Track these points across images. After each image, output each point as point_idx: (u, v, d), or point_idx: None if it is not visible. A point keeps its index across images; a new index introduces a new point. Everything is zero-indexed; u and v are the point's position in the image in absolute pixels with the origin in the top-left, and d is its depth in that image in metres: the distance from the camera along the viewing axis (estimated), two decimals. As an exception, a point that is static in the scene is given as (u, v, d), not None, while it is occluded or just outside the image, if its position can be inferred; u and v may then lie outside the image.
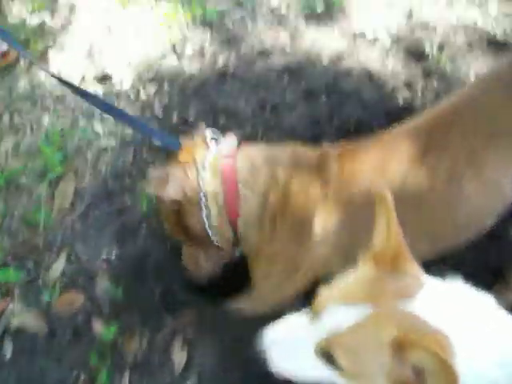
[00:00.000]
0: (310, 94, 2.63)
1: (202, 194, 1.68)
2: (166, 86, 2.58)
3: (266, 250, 1.77)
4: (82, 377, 1.88)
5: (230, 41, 2.77)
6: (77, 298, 2.03)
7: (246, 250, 1.84)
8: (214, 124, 2.40)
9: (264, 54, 2.74)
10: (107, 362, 1.92)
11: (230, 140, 1.80)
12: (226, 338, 2.01)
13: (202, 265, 1.96)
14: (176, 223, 1.77)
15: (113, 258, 2.13)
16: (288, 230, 1.75)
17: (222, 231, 1.74)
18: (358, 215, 1.70)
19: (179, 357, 1.95)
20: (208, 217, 1.71)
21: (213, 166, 1.69)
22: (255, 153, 1.76)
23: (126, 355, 1.94)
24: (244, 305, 1.98)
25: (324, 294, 1.16)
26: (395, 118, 2.15)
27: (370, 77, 2.71)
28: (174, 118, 2.48)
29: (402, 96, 2.66)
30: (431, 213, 1.73)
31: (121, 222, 2.19)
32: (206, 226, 1.73)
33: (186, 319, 2.05)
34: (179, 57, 2.72)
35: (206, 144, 1.76)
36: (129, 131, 2.40)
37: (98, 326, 1.99)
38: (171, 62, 2.70)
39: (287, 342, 1.21)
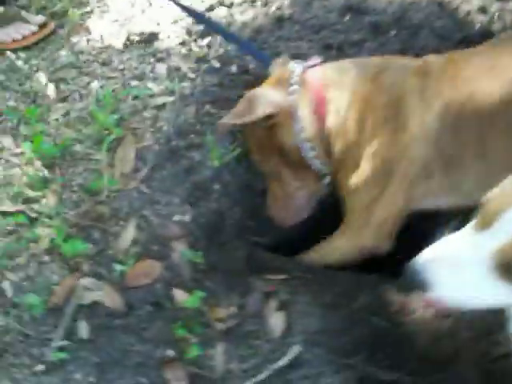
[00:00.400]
0: (377, 29, 2.38)
1: (293, 104, 1.64)
2: (218, 38, 2.34)
3: (357, 155, 1.66)
4: (169, 352, 1.64)
5: (281, -16, 2.53)
6: (153, 267, 1.80)
7: (335, 164, 1.73)
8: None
9: (319, -6, 2.49)
10: (195, 334, 1.68)
11: (314, 59, 1.79)
12: (326, 295, 1.76)
13: (292, 202, 1.78)
14: (267, 145, 1.71)
15: (187, 220, 1.90)
16: (381, 127, 1.63)
17: (317, 142, 1.68)
18: (464, 121, 1.58)
19: (276, 320, 1.70)
20: (302, 129, 1.66)
21: (301, 77, 1.69)
22: (342, 62, 1.76)
23: (215, 325, 1.71)
24: (335, 248, 1.84)
25: (494, 200, 0.96)
26: (472, 44, 1.93)
27: (440, 4, 2.44)
28: (234, 68, 2.24)
29: (477, 21, 2.39)
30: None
31: (191, 181, 1.96)
32: (301, 138, 1.66)
33: (277, 280, 1.81)
34: (229, 7, 2.49)
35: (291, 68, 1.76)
36: (186, 86, 2.17)
37: (180, 296, 1.75)
38: (221, 12, 2.47)
39: (451, 260, 0.96)
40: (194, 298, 1.73)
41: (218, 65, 2.26)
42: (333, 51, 2.28)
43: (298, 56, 2.19)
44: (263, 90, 1.72)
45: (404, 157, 1.59)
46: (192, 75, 2.21)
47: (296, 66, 1.74)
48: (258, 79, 1.90)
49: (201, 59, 2.29)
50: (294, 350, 1.60)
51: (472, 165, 1.60)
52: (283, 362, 1.58)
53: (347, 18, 2.42)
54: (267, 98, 1.66)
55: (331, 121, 1.67)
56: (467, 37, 2.32)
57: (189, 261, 1.82)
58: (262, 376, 1.56)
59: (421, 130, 1.57)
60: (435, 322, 1.59)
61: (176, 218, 1.90)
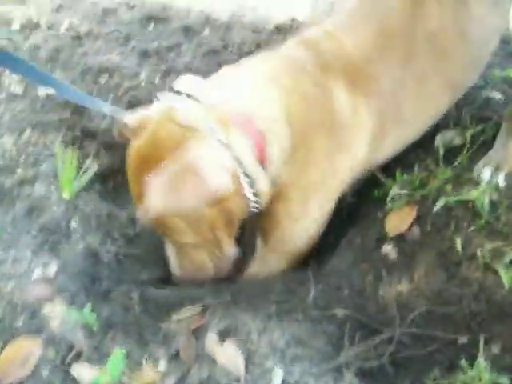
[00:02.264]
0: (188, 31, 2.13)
1: (237, 165, 1.26)
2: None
3: (303, 178, 1.41)
4: None
5: None
6: (29, 349, 1.20)
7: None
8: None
9: None
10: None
11: (195, 83, 1.38)
12: (265, 307, 1.38)
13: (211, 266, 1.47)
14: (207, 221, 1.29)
15: (52, 274, 1.34)
16: (321, 132, 1.40)
17: (266, 188, 1.34)
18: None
19: (229, 353, 1.25)
20: (251, 184, 1.30)
21: (222, 123, 1.25)
22: (244, 78, 1.38)
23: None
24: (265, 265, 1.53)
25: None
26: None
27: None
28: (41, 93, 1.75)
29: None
30: (447, 58, 1.54)
31: (38, 224, 1.42)
32: (251, 195, 1.31)
33: (196, 311, 1.37)
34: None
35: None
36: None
37: (85, 373, 1.19)
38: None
39: None
40: (110, 367, 1.18)
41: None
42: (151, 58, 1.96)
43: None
44: (203, 155, 1.21)
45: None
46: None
47: (188, 105, 1.29)
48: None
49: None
50: (277, 377, 1.18)
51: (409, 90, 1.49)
52: (273, 394, 1.15)
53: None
54: (214, 167, 1.19)
55: (271, 155, 1.35)
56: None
57: (75, 324, 1.26)
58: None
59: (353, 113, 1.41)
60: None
61: (36, 274, 1.33)
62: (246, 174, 1.28)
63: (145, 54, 1.94)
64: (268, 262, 1.52)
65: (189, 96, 1.29)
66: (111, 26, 2.03)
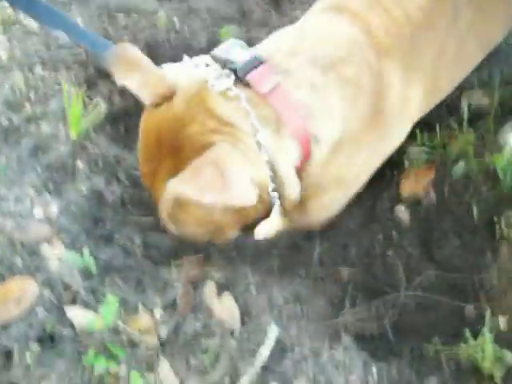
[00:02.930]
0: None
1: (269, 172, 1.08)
2: None
3: (342, 172, 1.25)
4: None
5: None
6: (25, 289, 1.20)
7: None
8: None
9: None
10: (119, 361, 1.14)
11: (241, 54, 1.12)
12: (265, 261, 1.35)
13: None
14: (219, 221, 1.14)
15: (53, 214, 1.32)
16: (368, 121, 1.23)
17: (294, 198, 1.17)
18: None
19: (226, 306, 1.23)
20: (277, 189, 1.12)
21: (271, 123, 1.06)
22: (301, 62, 1.14)
23: (145, 339, 1.17)
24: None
25: None
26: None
27: None
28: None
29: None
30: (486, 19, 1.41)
31: (42, 163, 1.40)
32: (272, 199, 1.13)
33: (197, 261, 1.34)
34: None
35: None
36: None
37: (79, 316, 1.19)
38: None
39: None
40: (103, 312, 1.18)
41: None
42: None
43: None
44: (234, 160, 1.03)
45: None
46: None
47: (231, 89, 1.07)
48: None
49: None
50: (272, 333, 1.15)
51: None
52: (265, 351, 1.12)
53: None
54: (244, 178, 1.02)
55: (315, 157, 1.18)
56: None
57: (73, 266, 1.25)
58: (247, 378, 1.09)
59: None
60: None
61: (37, 213, 1.31)
62: (274, 180, 1.12)
63: (166, -8, 1.86)
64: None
65: (236, 76, 1.08)
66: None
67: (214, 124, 1.05)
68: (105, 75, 1.58)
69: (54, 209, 1.33)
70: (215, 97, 1.06)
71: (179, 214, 1.12)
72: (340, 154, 1.20)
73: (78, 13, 1.73)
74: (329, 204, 1.31)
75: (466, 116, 1.51)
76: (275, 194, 1.13)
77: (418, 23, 1.27)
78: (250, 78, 1.08)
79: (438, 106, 1.53)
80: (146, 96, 1.09)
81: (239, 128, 1.05)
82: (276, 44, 1.21)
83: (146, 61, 1.10)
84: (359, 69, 1.20)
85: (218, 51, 1.13)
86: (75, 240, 1.30)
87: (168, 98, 1.08)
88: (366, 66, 1.21)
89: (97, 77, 1.61)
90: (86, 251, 1.27)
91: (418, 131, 1.49)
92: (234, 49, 1.14)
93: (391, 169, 1.47)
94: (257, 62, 1.10)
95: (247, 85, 1.08)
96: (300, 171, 1.16)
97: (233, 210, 1.11)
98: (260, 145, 1.06)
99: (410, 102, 1.29)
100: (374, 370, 1.14)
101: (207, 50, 1.23)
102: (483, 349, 1.17)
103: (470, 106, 1.55)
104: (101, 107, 1.48)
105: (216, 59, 1.11)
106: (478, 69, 1.62)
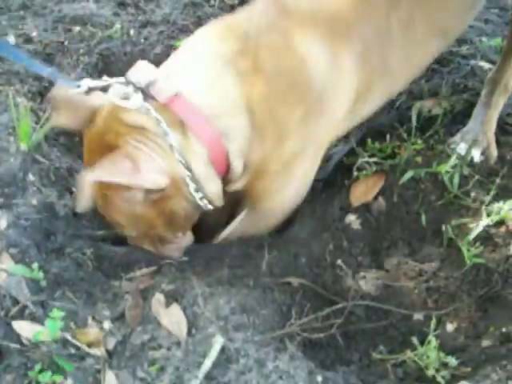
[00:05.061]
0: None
1: (183, 166, 1.21)
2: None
3: (278, 152, 1.32)
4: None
5: None
6: (-31, 302, 1.19)
7: (248, 180, 1.35)
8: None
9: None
10: (67, 374, 1.13)
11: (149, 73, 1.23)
12: (215, 271, 1.35)
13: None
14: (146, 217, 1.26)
15: (2, 227, 1.31)
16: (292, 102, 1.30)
17: (216, 192, 1.29)
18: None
19: (174, 317, 1.23)
20: (199, 189, 1.25)
21: (176, 126, 1.20)
22: (196, 65, 1.27)
23: (92, 351, 1.17)
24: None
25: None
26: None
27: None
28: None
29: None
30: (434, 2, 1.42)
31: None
32: (198, 199, 1.26)
33: (146, 273, 1.34)
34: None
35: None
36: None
37: (27, 329, 1.18)
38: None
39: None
40: (48, 326, 1.17)
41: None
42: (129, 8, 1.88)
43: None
44: (145, 151, 1.18)
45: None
46: None
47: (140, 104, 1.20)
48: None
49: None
50: (217, 344, 1.16)
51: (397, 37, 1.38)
52: (209, 362, 1.13)
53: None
54: (153, 165, 1.18)
55: (234, 149, 1.27)
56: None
57: (22, 280, 1.25)
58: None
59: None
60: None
61: (-15, 227, 1.31)
62: (193, 179, 1.24)
63: (122, 4, 1.87)
64: (253, 222, 1.45)
65: (142, 91, 1.21)
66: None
67: (127, 130, 1.19)
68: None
69: (3, 222, 1.32)
70: (126, 111, 1.19)
71: (106, 207, 1.26)
72: (266, 137, 1.28)
73: (33, 25, 1.73)
74: (275, 188, 1.36)
75: (414, 125, 1.53)
76: (199, 195, 1.25)
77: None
78: (153, 92, 1.19)
79: (389, 115, 1.55)
80: (73, 125, 1.28)
81: (151, 131, 1.19)
82: (177, 55, 1.31)
83: (75, 96, 1.25)
84: (261, 54, 1.25)
85: (129, 73, 1.24)
86: (25, 254, 1.30)
87: (93, 119, 1.24)
88: (272, 47, 1.26)
89: (51, 89, 1.61)
90: (35, 265, 1.26)
91: (369, 140, 1.51)
92: (144, 69, 1.25)
93: (342, 178, 1.49)
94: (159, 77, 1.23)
95: (153, 98, 1.20)
96: (225, 166, 1.28)
97: (152, 202, 1.22)
98: (172, 147, 1.19)
99: (344, 74, 1.31)
100: (320, 378, 1.15)
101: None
102: (428, 356, 1.19)
103: (420, 115, 1.58)
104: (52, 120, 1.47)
105: (128, 81, 1.23)
106: (429, 78, 1.65)
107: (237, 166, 1.29)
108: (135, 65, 1.25)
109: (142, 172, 1.13)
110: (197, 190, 1.25)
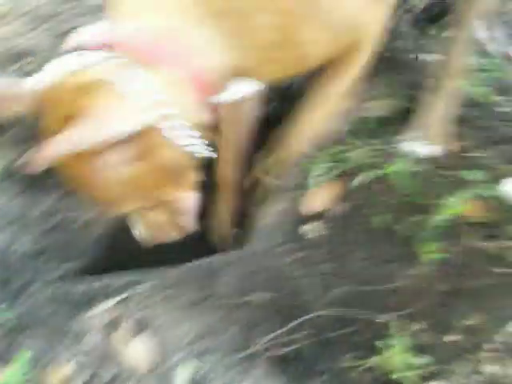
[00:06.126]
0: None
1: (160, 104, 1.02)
2: None
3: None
4: None
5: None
6: None
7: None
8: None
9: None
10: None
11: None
12: (181, 294, 1.35)
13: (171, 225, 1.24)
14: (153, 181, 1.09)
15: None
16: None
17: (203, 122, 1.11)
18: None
19: (141, 347, 1.23)
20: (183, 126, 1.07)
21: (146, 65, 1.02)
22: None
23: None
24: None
25: None
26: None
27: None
28: None
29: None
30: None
31: None
32: (188, 141, 1.08)
33: (112, 303, 1.33)
34: None
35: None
36: None
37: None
38: None
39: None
40: (15, 367, 1.16)
41: None
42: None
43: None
44: (102, 100, 1.00)
45: None
46: None
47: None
48: None
49: None
50: (184, 371, 1.16)
51: None
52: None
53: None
54: (117, 113, 0.99)
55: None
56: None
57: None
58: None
59: None
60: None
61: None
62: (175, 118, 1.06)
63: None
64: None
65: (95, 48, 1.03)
66: (26, 7, 1.93)
67: (82, 92, 1.00)
68: (4, 132, 1.57)
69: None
70: (78, 74, 1.02)
71: (95, 190, 1.08)
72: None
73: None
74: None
75: (365, 127, 1.55)
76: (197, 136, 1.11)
77: None
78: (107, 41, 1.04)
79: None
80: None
81: (107, 81, 1.00)
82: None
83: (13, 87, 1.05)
84: None
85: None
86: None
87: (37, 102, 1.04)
88: None
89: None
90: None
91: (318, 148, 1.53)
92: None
93: (294, 188, 1.50)
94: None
95: (107, 46, 1.03)
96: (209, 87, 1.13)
97: (146, 164, 1.07)
98: (144, 87, 1.03)
99: None
100: (289, 394, 1.15)
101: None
102: (393, 359, 1.20)
103: (367, 117, 1.59)
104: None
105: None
106: (382, 79, 1.66)
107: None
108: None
109: (106, 124, 0.96)
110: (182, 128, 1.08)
